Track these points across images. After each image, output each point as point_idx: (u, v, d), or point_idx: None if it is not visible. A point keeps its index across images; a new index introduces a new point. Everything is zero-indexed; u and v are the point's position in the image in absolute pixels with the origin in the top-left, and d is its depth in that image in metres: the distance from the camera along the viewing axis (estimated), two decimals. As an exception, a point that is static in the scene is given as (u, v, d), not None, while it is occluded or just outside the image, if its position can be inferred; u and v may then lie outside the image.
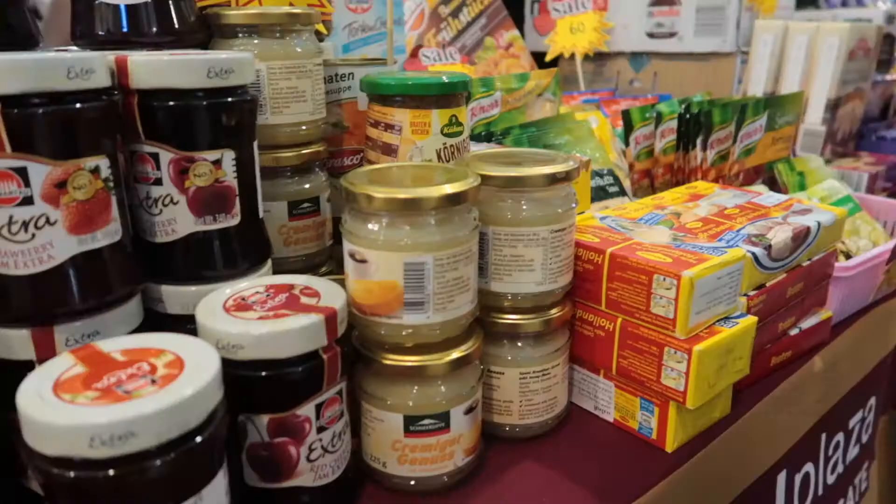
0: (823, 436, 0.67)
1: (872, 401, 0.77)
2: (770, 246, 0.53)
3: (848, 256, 0.74)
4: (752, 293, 0.52)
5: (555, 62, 1.35)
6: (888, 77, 1.34)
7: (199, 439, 0.29)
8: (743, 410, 0.53)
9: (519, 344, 0.48)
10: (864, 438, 0.78)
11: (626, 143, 0.89)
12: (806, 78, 1.10)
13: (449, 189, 0.39)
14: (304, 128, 0.52)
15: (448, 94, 0.50)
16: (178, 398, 0.28)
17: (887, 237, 0.81)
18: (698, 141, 0.80)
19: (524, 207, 0.45)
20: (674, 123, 0.84)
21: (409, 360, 0.41)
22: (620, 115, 0.88)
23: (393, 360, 0.42)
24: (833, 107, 1.09)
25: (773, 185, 0.86)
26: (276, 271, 0.47)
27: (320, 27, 0.61)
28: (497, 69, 1.19)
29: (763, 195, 0.65)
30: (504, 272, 0.46)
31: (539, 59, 1.28)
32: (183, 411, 0.28)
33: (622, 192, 0.78)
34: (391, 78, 0.50)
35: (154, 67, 0.38)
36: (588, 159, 0.59)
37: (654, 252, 0.48)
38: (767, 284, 0.54)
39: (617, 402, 0.51)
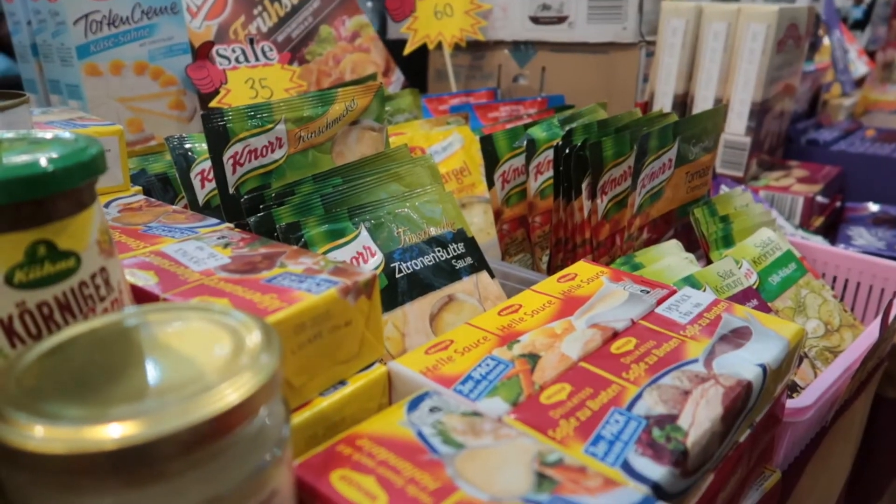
0: None
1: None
2: (685, 453, 0.29)
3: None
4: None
5: (422, 57, 1.08)
6: (816, 66, 1.14)
7: None
8: None
9: None
10: None
11: (490, 184, 0.63)
12: (726, 76, 0.87)
13: None
14: None
15: (15, 204, 0.23)
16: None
17: (841, 309, 0.59)
18: (583, 186, 0.55)
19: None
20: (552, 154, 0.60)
21: None
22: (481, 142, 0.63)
23: None
24: (760, 112, 0.87)
25: (690, 235, 0.62)
26: None
27: None
28: (339, 68, 0.91)
29: (672, 298, 0.41)
30: None
31: (398, 51, 1.01)
32: None
33: (477, 267, 0.53)
34: None
35: None
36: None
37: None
38: (682, 519, 0.29)
39: None
